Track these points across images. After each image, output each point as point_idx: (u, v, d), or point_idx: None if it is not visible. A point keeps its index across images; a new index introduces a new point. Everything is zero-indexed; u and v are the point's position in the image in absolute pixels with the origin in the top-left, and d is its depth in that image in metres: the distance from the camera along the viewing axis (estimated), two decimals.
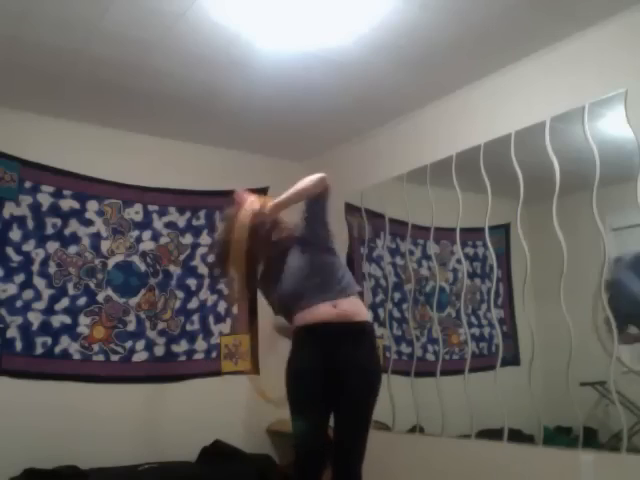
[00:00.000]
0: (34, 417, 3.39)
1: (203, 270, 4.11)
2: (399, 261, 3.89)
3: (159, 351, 3.87)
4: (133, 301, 3.84)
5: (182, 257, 4.06)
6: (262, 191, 4.30)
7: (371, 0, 2.62)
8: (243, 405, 4.07)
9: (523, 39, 2.94)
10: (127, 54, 3.02)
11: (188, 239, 4.11)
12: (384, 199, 3.91)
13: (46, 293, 3.58)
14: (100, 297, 3.74)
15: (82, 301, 3.68)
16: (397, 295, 3.88)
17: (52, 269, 3.61)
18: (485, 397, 3.16)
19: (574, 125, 2.84)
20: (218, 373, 4.03)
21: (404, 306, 3.81)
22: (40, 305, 3.55)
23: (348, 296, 2.26)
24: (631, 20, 2.67)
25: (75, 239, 3.72)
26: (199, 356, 4.00)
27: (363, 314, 2.31)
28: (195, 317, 4.04)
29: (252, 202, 2.25)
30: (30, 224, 3.59)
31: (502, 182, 3.22)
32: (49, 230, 3.65)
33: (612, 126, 2.82)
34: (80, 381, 3.58)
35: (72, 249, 3.70)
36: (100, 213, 3.83)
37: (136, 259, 3.90)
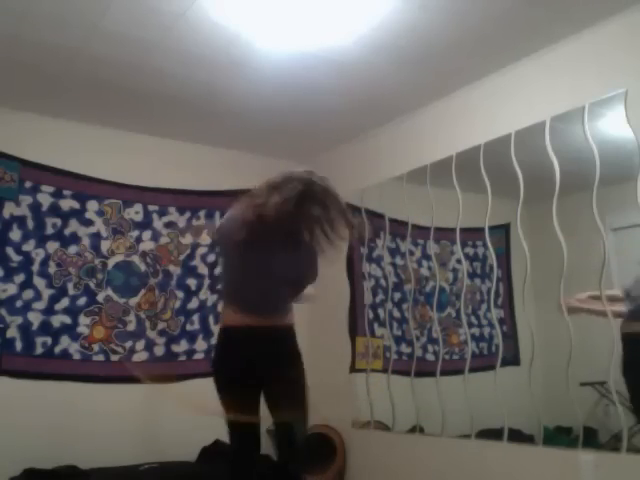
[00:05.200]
0: (34, 417, 3.39)
1: (203, 270, 4.11)
2: (399, 261, 3.89)
3: (159, 351, 3.87)
4: (133, 301, 3.84)
5: (182, 257, 4.06)
6: None
7: (371, 0, 2.62)
8: None
9: (523, 39, 2.94)
10: (127, 54, 3.02)
11: (188, 239, 4.11)
12: (384, 199, 3.91)
13: (46, 293, 3.58)
14: (100, 297, 3.74)
15: (82, 301, 3.68)
16: (397, 295, 3.88)
17: (52, 269, 3.62)
18: (485, 397, 3.15)
19: (574, 125, 2.84)
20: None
21: (404, 306, 3.81)
22: (40, 305, 3.55)
23: None
24: (631, 20, 2.67)
25: (75, 239, 3.72)
26: (199, 356, 4.00)
27: None
28: (195, 317, 4.04)
29: None
30: (30, 224, 3.60)
31: (502, 182, 3.21)
32: (49, 230, 3.65)
33: (612, 126, 2.82)
34: (80, 381, 3.58)
35: (72, 249, 3.70)
36: (100, 213, 3.83)
37: (136, 259, 3.90)
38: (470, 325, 3.43)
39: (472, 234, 3.42)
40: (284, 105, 3.61)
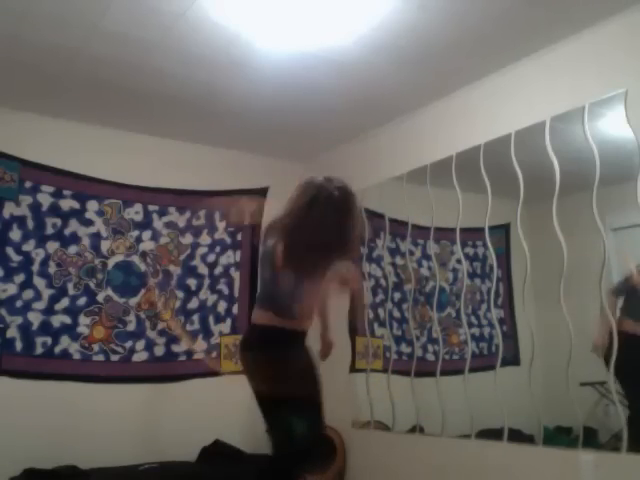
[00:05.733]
0: (34, 417, 3.39)
1: (203, 270, 4.11)
2: (399, 261, 3.89)
3: (159, 351, 3.87)
4: (133, 301, 3.84)
5: (182, 257, 4.06)
6: (262, 191, 4.32)
7: (371, 0, 2.62)
8: (243, 405, 4.06)
9: (523, 39, 2.94)
10: (127, 54, 3.02)
11: (188, 239, 4.10)
12: (384, 199, 3.91)
13: (46, 293, 3.58)
14: (100, 297, 3.74)
15: (82, 301, 3.68)
16: (397, 295, 3.88)
17: (52, 269, 3.61)
18: (485, 397, 3.15)
19: (574, 125, 2.84)
20: (218, 373, 4.04)
21: (404, 306, 3.81)
22: (40, 305, 3.55)
23: None
24: (631, 20, 2.67)
25: (75, 239, 3.72)
26: (199, 356, 4.00)
27: None
28: (195, 317, 4.04)
29: None
30: (30, 224, 3.60)
31: (502, 182, 3.21)
32: (49, 230, 3.65)
33: (612, 126, 2.82)
34: (80, 381, 3.58)
35: (72, 249, 3.70)
36: (100, 213, 3.83)
37: (136, 259, 3.90)
38: (470, 325, 3.43)
39: (472, 234, 3.42)
40: (284, 105, 3.61)
